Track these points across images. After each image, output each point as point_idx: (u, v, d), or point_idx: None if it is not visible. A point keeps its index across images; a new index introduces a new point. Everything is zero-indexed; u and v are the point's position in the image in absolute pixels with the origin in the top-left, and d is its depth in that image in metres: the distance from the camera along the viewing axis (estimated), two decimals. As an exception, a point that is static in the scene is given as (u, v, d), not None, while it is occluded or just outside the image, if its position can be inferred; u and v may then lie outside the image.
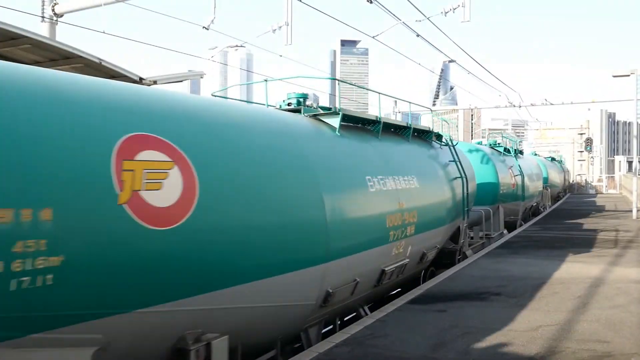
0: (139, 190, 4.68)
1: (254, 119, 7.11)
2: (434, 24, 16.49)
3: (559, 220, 23.65)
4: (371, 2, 13.45)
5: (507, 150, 22.83)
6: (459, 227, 12.98)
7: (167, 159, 5.04)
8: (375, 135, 9.77)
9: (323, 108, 9.20)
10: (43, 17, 14.31)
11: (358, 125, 9.62)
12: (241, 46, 21.31)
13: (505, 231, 19.17)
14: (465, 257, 13.34)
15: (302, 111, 8.73)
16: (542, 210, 28.88)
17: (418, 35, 17.07)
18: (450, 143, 13.20)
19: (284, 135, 7.30)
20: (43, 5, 14.40)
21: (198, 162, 5.35)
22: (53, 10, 14.36)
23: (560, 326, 7.33)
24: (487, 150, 19.90)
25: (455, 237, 13.01)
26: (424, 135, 12.39)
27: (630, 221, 22.38)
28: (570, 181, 58.55)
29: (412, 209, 9.64)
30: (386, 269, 8.88)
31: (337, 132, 8.47)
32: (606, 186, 58.86)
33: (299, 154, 7.24)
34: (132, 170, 4.68)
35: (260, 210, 6.05)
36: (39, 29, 14.13)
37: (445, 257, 12.63)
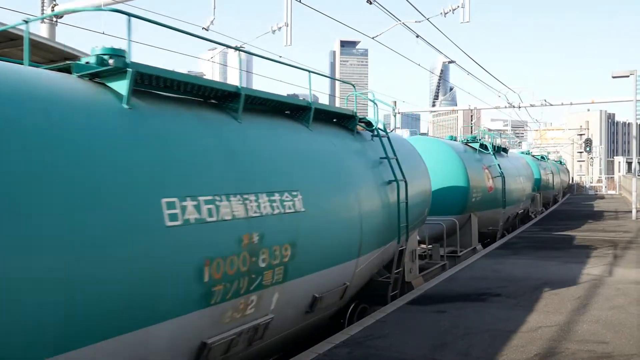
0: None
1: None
2: (433, 25, 16.51)
3: (558, 221, 23.66)
4: (371, 3, 13.46)
5: (483, 146, 19.33)
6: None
7: None
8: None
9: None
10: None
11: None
12: (241, 47, 21.28)
13: (479, 246, 16.29)
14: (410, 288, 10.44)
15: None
16: (533, 216, 26.38)
17: (418, 36, 17.09)
18: (383, 132, 9.59)
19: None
20: (43, 6, 14.40)
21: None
22: (52, 11, 14.35)
23: (559, 327, 7.34)
24: (457, 146, 17.10)
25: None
26: (345, 122, 9.03)
27: (629, 222, 22.39)
28: (570, 182, 58.59)
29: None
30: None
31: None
32: (606, 187, 58.91)
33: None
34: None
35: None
36: (38, 30, 14.13)
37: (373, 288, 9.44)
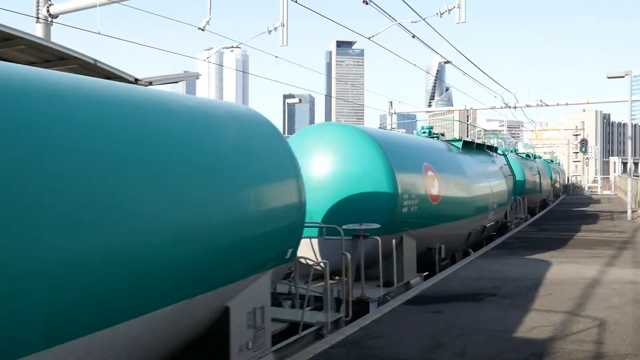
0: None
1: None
2: (429, 25, 16.50)
3: (554, 221, 23.73)
4: (367, 3, 13.46)
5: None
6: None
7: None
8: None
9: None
10: (38, 17, 14.26)
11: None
12: (237, 47, 21.30)
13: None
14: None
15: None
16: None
17: (414, 37, 17.09)
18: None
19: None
20: (38, 6, 14.35)
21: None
22: (48, 11, 14.31)
23: (555, 327, 7.35)
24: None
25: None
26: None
27: (624, 222, 22.47)
28: (566, 182, 58.75)
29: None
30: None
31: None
32: (601, 187, 59.09)
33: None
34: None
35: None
36: (33, 30, 14.08)
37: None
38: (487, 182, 16.44)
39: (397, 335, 7.08)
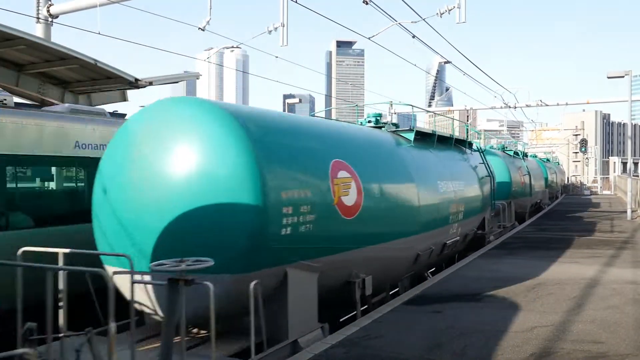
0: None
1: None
2: (429, 25, 16.51)
3: (554, 221, 23.73)
4: (367, 3, 13.47)
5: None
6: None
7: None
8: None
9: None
10: (38, 18, 14.27)
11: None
12: (237, 47, 21.33)
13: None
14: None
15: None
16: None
17: (414, 37, 17.10)
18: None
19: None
20: (38, 6, 14.36)
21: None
22: (48, 11, 14.32)
23: (555, 327, 7.36)
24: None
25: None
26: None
27: (624, 222, 22.47)
28: (565, 182, 58.74)
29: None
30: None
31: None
32: (601, 187, 59.07)
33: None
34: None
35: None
36: (33, 30, 14.09)
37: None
38: (449, 186, 12.66)
39: (397, 335, 7.09)
